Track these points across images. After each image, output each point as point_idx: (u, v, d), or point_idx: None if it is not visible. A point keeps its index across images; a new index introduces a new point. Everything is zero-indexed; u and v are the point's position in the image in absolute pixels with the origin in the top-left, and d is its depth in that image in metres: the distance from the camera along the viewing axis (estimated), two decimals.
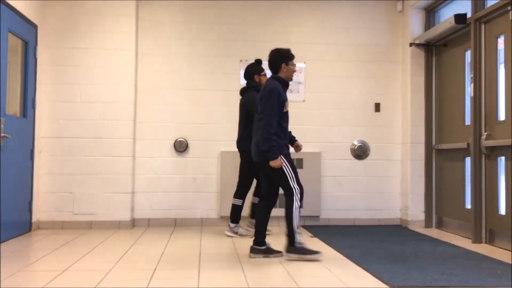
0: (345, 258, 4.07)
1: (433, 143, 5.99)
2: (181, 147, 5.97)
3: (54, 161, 5.65)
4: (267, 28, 6.17)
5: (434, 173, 5.98)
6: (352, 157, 6.21)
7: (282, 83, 4.13)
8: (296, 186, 4.01)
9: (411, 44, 6.04)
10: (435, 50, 6.02)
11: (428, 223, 5.97)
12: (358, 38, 6.28)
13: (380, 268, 3.67)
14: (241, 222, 5.24)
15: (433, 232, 5.60)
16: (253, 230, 5.21)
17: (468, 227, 5.12)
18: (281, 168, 4.00)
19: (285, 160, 4.02)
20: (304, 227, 5.78)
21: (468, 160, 5.23)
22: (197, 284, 3.23)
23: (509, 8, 4.44)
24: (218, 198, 5.97)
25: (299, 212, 4.03)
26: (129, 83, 5.80)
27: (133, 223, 5.82)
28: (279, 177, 4.04)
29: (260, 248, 4.12)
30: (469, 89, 5.20)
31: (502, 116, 4.70)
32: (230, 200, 5.81)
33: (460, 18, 5.13)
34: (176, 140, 5.98)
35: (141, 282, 3.25)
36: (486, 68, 4.93)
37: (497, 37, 4.78)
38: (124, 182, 5.72)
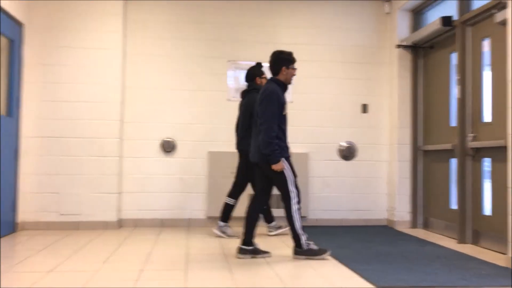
0: (332, 259, 4.09)
1: (420, 144, 6.04)
2: (168, 147, 5.95)
3: (39, 161, 5.59)
4: (255, 29, 6.17)
5: (420, 174, 6.03)
6: (339, 158, 6.24)
7: (281, 85, 4.16)
8: (293, 189, 4.06)
9: (398, 46, 6.09)
10: (421, 52, 6.07)
11: (414, 224, 6.02)
12: (346, 40, 6.31)
13: (367, 269, 3.69)
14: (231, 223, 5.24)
15: (419, 233, 5.64)
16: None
17: (454, 228, 5.17)
18: (282, 171, 4.03)
19: (286, 163, 4.05)
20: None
21: (453, 161, 5.29)
22: (184, 284, 3.22)
23: (494, 11, 4.50)
24: (205, 198, 5.96)
25: (299, 213, 4.07)
26: (116, 82, 5.77)
27: (120, 224, 5.79)
28: (279, 179, 4.07)
29: (248, 248, 4.12)
30: (454, 91, 5.25)
31: (487, 118, 4.76)
32: (217, 201, 5.82)
33: (446, 20, 5.19)
34: (164, 140, 5.96)
35: (127, 283, 3.23)
36: (472, 70, 4.98)
37: (483, 39, 4.84)
38: (111, 182, 5.68)
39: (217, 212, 5.85)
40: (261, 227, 5.83)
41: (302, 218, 4.19)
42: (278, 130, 4.03)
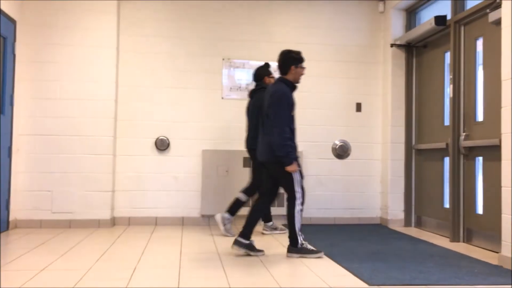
0: (325, 257, 4.10)
1: (413, 143, 6.06)
2: (162, 145, 5.93)
3: (32, 159, 5.57)
4: (249, 27, 6.16)
5: (414, 173, 6.05)
6: (333, 157, 6.25)
7: (289, 85, 4.16)
8: (299, 190, 4.08)
9: (392, 45, 6.10)
10: (415, 51, 6.09)
11: (407, 222, 6.04)
12: (340, 39, 6.32)
13: (360, 267, 3.70)
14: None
15: (412, 231, 5.67)
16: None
17: (446, 226, 5.19)
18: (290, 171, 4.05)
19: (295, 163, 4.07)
20: (285, 225, 5.78)
21: (446, 160, 5.31)
22: (177, 283, 3.21)
23: (488, 10, 4.51)
24: (199, 196, 5.95)
25: (301, 215, 4.10)
26: (110, 80, 5.74)
27: (113, 222, 5.77)
28: (286, 180, 4.09)
29: (244, 242, 4.12)
30: (448, 90, 5.27)
31: (480, 117, 4.78)
32: (211, 199, 5.85)
33: (440, 20, 5.20)
34: (158, 138, 5.94)
35: (120, 282, 3.22)
36: (465, 69, 5.00)
37: (476, 39, 4.85)
38: (104, 180, 5.66)
39: (211, 210, 5.86)
40: (259, 225, 5.84)
41: None
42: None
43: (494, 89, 4.45)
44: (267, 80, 5.18)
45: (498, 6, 4.28)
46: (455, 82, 5.05)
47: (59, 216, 5.57)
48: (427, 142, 5.76)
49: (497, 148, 4.26)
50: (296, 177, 4.07)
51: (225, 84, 6.09)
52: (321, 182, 6.18)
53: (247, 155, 5.95)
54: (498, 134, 4.22)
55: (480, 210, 4.74)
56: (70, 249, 4.29)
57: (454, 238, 4.97)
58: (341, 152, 6.26)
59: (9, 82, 5.29)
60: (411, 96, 6.09)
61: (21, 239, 4.78)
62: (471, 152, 4.87)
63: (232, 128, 6.06)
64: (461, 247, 4.66)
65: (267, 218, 5.33)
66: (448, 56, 5.33)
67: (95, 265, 3.71)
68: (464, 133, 4.93)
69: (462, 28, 5.05)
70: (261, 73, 5.24)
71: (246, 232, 4.15)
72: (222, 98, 6.08)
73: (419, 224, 5.95)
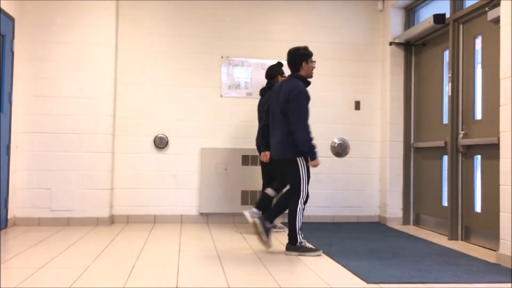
0: (324, 255, 4.10)
1: (412, 141, 6.06)
2: (161, 143, 5.93)
3: (31, 157, 5.56)
4: (248, 25, 6.16)
5: (412, 171, 6.06)
6: (332, 155, 6.25)
7: (304, 81, 4.20)
8: (305, 189, 4.12)
9: (390, 43, 6.10)
10: (414, 49, 6.09)
11: (406, 220, 6.05)
12: (339, 37, 6.32)
13: (358, 265, 3.70)
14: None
15: (411, 229, 5.67)
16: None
17: (445, 225, 5.20)
18: (299, 170, 4.10)
19: (304, 164, 4.12)
20: (284, 223, 5.79)
21: (445, 159, 5.31)
22: (176, 282, 3.21)
23: (487, 9, 4.51)
24: (198, 194, 5.95)
25: (302, 214, 4.13)
26: (109, 78, 5.74)
27: (112, 220, 5.77)
28: (294, 178, 4.13)
29: (268, 225, 4.17)
30: (447, 89, 5.27)
31: (478, 115, 4.78)
32: (210, 197, 5.85)
33: (439, 18, 5.20)
34: (156, 136, 5.94)
35: (119, 280, 3.22)
36: (464, 68, 5.00)
37: (475, 37, 4.85)
38: (103, 178, 5.66)
39: (210, 208, 5.87)
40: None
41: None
42: None
43: (493, 87, 4.45)
44: (280, 79, 5.20)
45: (497, 4, 4.28)
46: (454, 80, 5.05)
47: (58, 214, 5.57)
48: (425, 140, 5.76)
49: (495, 147, 4.26)
50: (304, 176, 4.11)
51: (224, 82, 6.08)
52: (320, 180, 6.18)
53: (245, 153, 5.96)
54: (496, 132, 4.23)
55: (478, 208, 4.74)
56: (68, 247, 4.29)
57: (453, 236, 4.97)
58: (340, 150, 6.27)
59: (8, 80, 5.28)
60: (409, 95, 6.09)
61: (19, 237, 4.78)
62: (470, 151, 4.87)
63: (230, 126, 6.06)
64: (459, 245, 4.66)
65: None
66: (447, 55, 5.33)
67: (94, 263, 3.71)
68: (463, 132, 4.93)
69: (461, 26, 5.05)
70: (275, 72, 5.26)
71: (268, 216, 4.22)
72: (221, 96, 6.07)
73: (417, 222, 5.96)
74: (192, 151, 5.99)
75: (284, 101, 4.12)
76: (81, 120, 5.64)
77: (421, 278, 3.35)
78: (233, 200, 5.89)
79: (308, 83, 4.25)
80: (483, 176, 4.63)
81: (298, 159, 4.12)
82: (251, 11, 6.18)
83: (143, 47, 5.98)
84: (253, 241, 4.58)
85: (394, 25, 6.17)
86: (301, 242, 4.10)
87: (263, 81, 5.89)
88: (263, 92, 5.29)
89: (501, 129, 3.92)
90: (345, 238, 4.94)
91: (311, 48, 6.15)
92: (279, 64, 5.33)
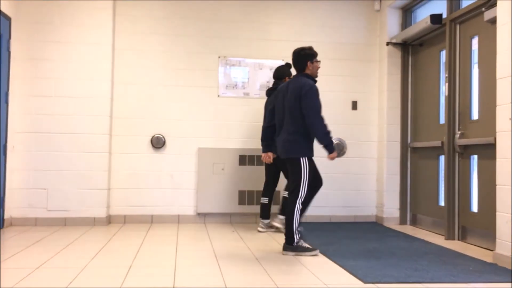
0: (321, 255, 4.10)
1: (409, 141, 6.07)
2: (158, 143, 5.92)
3: (27, 157, 5.55)
4: (246, 25, 6.16)
5: (409, 171, 6.07)
6: None
7: (312, 80, 4.25)
8: (305, 189, 4.12)
9: (388, 43, 6.11)
10: (411, 49, 6.10)
11: (402, 220, 6.05)
12: (336, 37, 6.32)
13: (356, 265, 3.71)
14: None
15: (408, 229, 5.68)
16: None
17: (442, 224, 5.21)
18: (300, 170, 4.11)
19: (307, 163, 4.14)
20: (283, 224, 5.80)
21: (442, 158, 5.32)
22: (173, 282, 3.21)
23: (483, 9, 4.52)
24: (195, 195, 5.95)
25: (300, 214, 4.13)
26: (106, 78, 5.73)
27: (109, 220, 5.76)
28: (296, 176, 4.14)
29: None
30: (443, 89, 5.28)
31: (475, 115, 4.79)
32: (207, 197, 5.84)
33: (435, 18, 5.21)
34: (153, 136, 5.93)
35: (116, 280, 3.22)
36: (461, 68, 5.01)
37: (472, 37, 4.87)
38: (100, 178, 5.64)
39: (207, 208, 5.86)
40: (255, 223, 5.87)
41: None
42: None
43: (490, 87, 4.46)
44: (287, 80, 5.18)
45: (494, 4, 4.29)
46: (451, 80, 5.06)
47: (55, 214, 5.56)
48: (422, 140, 5.77)
49: (492, 147, 4.27)
50: (305, 176, 4.12)
51: (221, 82, 6.08)
52: None
53: (243, 153, 5.96)
54: (493, 132, 4.24)
55: (475, 208, 4.75)
56: (65, 247, 4.28)
57: (449, 236, 4.98)
58: (337, 150, 6.25)
59: (4, 79, 5.27)
60: (406, 95, 6.10)
61: (16, 237, 4.77)
62: (466, 151, 4.88)
63: (228, 126, 6.06)
64: (456, 245, 4.67)
65: (266, 214, 5.32)
66: (443, 55, 5.34)
67: (90, 263, 3.70)
68: (460, 132, 4.94)
69: (458, 26, 5.06)
70: (283, 72, 5.26)
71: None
72: (218, 96, 6.07)
73: (414, 222, 5.97)
74: (189, 151, 5.98)
75: (294, 99, 4.14)
76: (78, 120, 5.63)
77: (418, 278, 3.36)
78: (231, 200, 5.89)
79: (315, 82, 4.29)
80: (480, 176, 4.64)
81: (301, 159, 4.13)
82: (249, 10, 6.17)
83: (140, 46, 5.97)
84: (250, 241, 4.57)
85: (391, 25, 6.18)
86: (298, 242, 4.10)
87: (261, 81, 5.89)
88: (269, 92, 5.28)
89: (497, 129, 3.93)
90: (342, 238, 4.95)
91: None
92: (288, 65, 5.29)
